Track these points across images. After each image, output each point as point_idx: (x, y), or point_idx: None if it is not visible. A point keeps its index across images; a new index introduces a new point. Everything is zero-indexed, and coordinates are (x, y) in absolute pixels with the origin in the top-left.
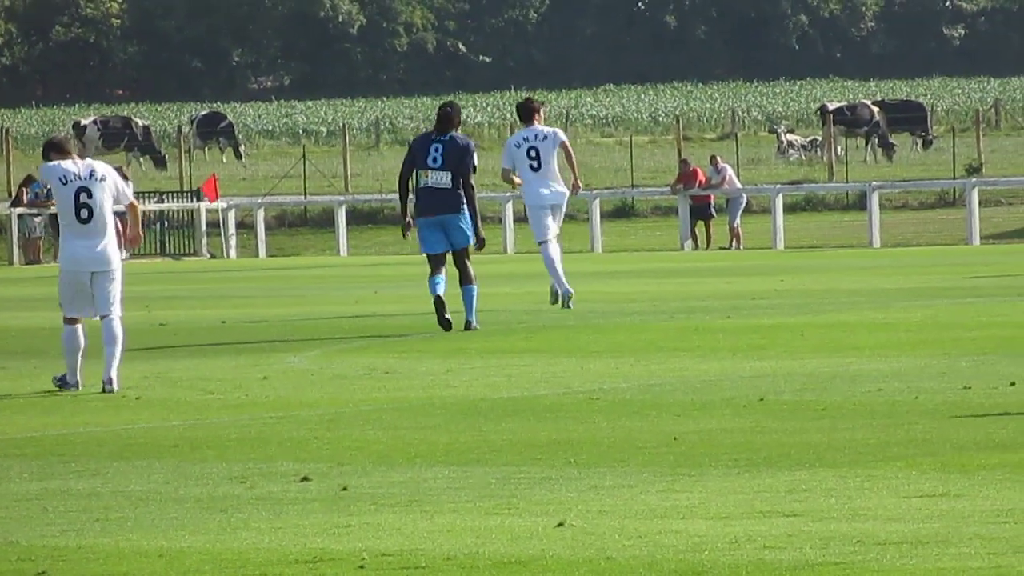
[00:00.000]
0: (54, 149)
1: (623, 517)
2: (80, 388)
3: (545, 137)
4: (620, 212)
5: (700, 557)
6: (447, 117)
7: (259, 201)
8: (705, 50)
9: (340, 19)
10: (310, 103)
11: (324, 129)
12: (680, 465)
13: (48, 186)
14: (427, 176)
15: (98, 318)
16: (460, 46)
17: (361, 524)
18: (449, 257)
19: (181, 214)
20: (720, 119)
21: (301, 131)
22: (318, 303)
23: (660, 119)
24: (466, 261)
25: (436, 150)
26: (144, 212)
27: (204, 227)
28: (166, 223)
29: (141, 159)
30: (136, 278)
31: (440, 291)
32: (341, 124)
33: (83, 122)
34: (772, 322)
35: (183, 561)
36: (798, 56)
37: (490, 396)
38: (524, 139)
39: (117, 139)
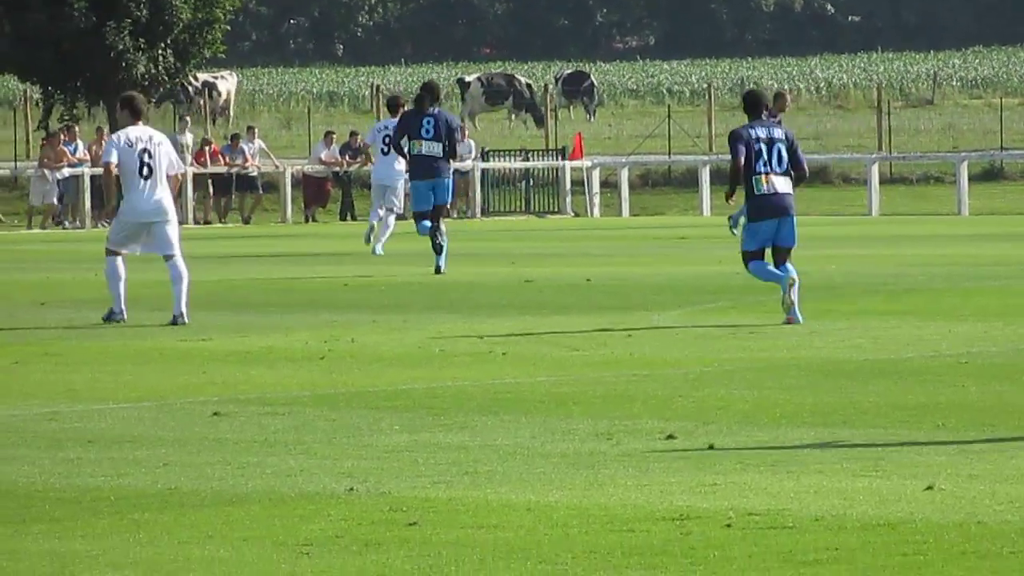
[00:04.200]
0: (127, 108)
1: (994, 481)
2: (125, 318)
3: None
4: (988, 175)
5: None
6: (432, 93)
7: (623, 160)
8: None
9: None
10: (674, 63)
11: (687, 90)
12: None
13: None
14: (420, 145)
15: (163, 258)
16: (828, 6)
17: (727, 483)
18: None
19: (546, 172)
20: None
21: (665, 91)
22: (681, 262)
23: None
24: (442, 217)
25: (428, 123)
26: (509, 170)
27: (568, 185)
28: (531, 181)
29: (517, 116)
30: (500, 235)
31: (430, 229)
32: (706, 84)
33: (467, 78)
34: None
35: (551, 515)
36: None
37: (855, 358)
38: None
39: (500, 96)
